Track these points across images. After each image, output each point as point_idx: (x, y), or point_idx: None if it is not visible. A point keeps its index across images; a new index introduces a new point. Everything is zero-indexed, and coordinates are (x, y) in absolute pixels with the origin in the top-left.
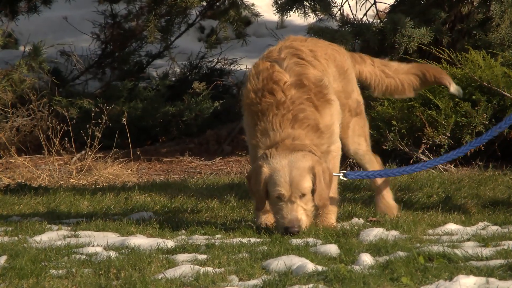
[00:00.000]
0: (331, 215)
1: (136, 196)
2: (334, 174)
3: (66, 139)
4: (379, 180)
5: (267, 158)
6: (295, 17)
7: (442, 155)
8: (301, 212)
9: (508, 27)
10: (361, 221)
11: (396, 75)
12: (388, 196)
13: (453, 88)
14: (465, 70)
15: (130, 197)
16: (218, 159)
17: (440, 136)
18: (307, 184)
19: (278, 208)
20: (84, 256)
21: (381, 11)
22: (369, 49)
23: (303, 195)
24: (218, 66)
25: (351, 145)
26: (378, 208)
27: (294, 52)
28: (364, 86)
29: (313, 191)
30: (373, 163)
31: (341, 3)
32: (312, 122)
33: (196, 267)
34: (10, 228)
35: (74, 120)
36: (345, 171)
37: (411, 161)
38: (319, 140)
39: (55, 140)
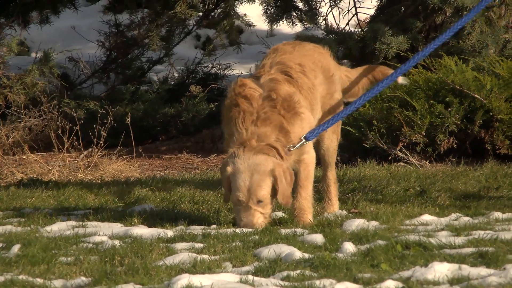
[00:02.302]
0: (307, 215)
1: (138, 190)
2: (295, 147)
3: (74, 137)
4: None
5: (233, 157)
6: (283, 26)
7: (373, 88)
8: (257, 217)
9: (479, 35)
10: (344, 212)
11: (355, 79)
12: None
13: (400, 79)
14: (439, 74)
15: (133, 191)
16: (213, 156)
17: (416, 135)
18: (264, 191)
19: (237, 210)
20: (91, 245)
21: (362, 21)
22: (352, 56)
23: (260, 201)
24: (213, 71)
25: (326, 140)
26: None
27: (283, 69)
28: None
29: (275, 192)
30: (333, 160)
31: (326, 13)
32: (276, 122)
33: (194, 254)
34: (23, 219)
35: (82, 121)
36: (305, 136)
37: (390, 158)
38: (286, 139)
39: (64, 138)
